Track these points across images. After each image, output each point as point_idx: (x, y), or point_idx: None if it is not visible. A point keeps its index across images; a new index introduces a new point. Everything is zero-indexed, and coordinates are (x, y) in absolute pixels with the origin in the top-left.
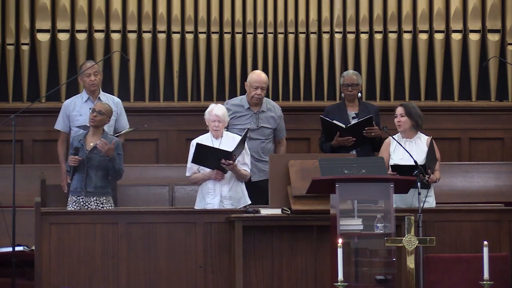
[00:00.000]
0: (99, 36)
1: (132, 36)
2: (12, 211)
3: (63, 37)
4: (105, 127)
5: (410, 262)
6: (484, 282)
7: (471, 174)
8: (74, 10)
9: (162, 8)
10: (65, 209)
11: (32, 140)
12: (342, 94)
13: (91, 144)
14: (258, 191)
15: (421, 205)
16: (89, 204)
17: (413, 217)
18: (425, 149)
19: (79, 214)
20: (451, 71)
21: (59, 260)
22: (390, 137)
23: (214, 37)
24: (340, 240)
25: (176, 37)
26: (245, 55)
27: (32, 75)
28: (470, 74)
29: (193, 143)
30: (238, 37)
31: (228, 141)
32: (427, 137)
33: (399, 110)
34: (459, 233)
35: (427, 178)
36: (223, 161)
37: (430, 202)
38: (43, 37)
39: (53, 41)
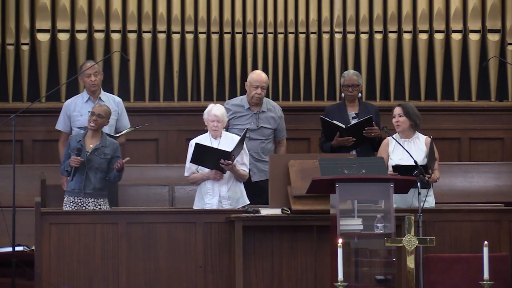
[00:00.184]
0: (99, 36)
1: (132, 36)
2: (12, 211)
3: (63, 37)
4: (106, 127)
5: (410, 262)
6: (484, 282)
7: (471, 174)
8: (74, 10)
9: (162, 8)
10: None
11: (32, 140)
12: (342, 94)
13: (91, 145)
14: (258, 191)
15: (421, 205)
16: (87, 205)
17: (413, 217)
18: (424, 148)
19: (79, 214)
20: (451, 71)
21: (59, 260)
22: (388, 137)
23: (214, 37)
24: (340, 240)
25: (176, 37)
26: (245, 55)
27: (32, 75)
28: (470, 74)
29: (192, 143)
30: (238, 37)
31: (227, 141)
32: (426, 136)
33: (397, 110)
34: (459, 233)
35: (427, 178)
36: (222, 161)
37: (430, 201)
38: (43, 37)
39: (53, 41)
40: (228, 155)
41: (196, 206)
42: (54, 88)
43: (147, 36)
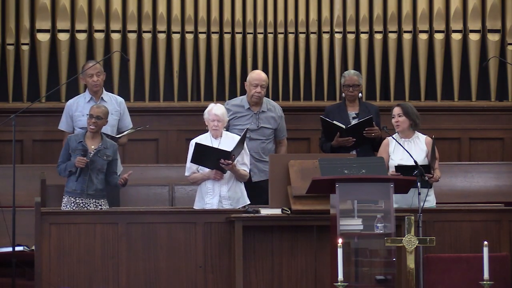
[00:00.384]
0: (99, 36)
1: (132, 36)
2: (12, 211)
3: (63, 37)
4: (109, 127)
5: (410, 262)
6: (484, 282)
7: (471, 174)
8: (74, 10)
9: (162, 8)
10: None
11: (32, 140)
12: (343, 94)
13: (92, 147)
14: (258, 191)
15: (421, 205)
16: (88, 206)
17: (413, 217)
18: (424, 148)
19: (79, 214)
20: (451, 71)
21: (59, 260)
22: (388, 137)
23: (214, 37)
24: (340, 240)
25: (176, 37)
26: (245, 55)
27: (32, 75)
28: (470, 74)
29: (192, 143)
30: (238, 37)
31: (227, 141)
32: (426, 136)
33: (397, 110)
34: (459, 233)
35: (428, 178)
36: (222, 161)
37: (431, 201)
38: (43, 37)
39: (53, 41)
40: (228, 155)
41: (197, 206)
42: (54, 88)
43: (147, 36)
